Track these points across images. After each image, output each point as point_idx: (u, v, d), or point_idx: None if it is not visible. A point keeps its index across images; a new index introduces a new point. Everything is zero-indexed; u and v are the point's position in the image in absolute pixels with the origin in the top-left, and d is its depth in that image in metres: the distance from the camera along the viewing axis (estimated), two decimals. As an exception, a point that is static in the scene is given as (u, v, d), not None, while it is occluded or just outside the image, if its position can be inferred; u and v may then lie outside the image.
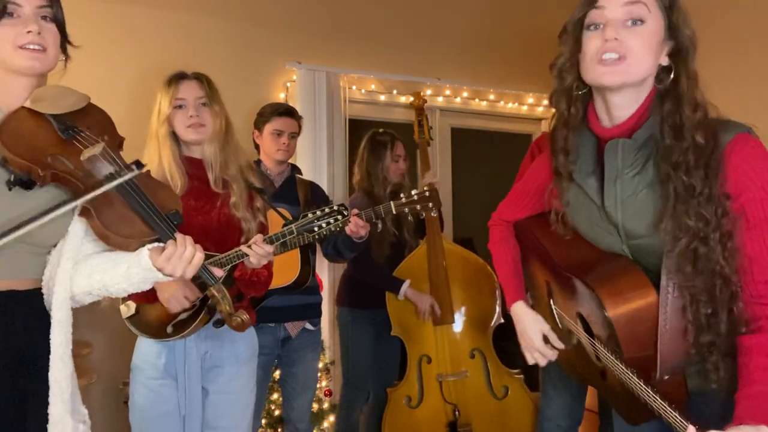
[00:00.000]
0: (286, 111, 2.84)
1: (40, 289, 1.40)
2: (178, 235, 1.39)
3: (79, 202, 1.31)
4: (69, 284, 1.38)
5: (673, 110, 1.27)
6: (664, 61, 1.29)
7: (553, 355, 1.60)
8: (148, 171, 1.50)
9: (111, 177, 1.36)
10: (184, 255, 1.37)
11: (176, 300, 1.89)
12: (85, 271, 1.42)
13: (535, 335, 1.61)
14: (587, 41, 1.30)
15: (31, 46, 1.34)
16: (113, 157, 1.38)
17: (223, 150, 2.06)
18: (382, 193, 3.08)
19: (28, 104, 1.37)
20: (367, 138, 3.23)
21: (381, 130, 3.24)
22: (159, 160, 2.00)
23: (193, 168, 2.04)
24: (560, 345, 1.59)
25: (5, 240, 1.25)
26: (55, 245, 1.41)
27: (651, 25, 1.26)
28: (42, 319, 1.38)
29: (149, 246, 1.39)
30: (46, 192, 1.35)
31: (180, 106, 2.03)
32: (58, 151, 1.35)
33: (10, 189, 1.29)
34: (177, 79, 2.06)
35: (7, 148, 1.29)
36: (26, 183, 1.30)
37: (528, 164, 2.62)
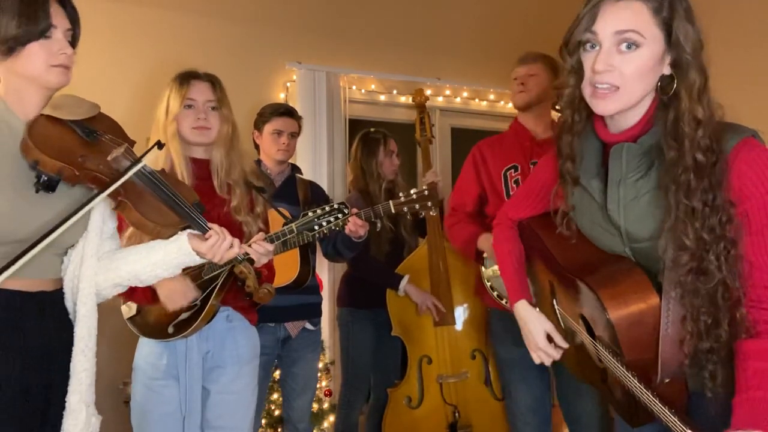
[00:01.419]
0: (286, 111, 2.84)
1: (61, 288, 1.51)
2: (215, 226, 1.54)
3: (112, 188, 1.42)
4: (93, 281, 1.50)
5: (675, 124, 1.25)
6: (667, 70, 1.28)
7: (557, 354, 1.59)
8: (163, 169, 1.66)
9: (140, 173, 1.50)
10: (224, 244, 1.54)
11: (176, 296, 1.88)
12: (111, 265, 1.55)
13: (537, 334, 1.59)
14: (584, 61, 1.30)
15: (62, 65, 1.45)
16: (135, 156, 1.50)
17: (228, 155, 2.06)
18: (377, 190, 3.09)
19: (47, 112, 1.47)
20: (360, 137, 3.24)
21: (372, 129, 3.25)
22: (165, 157, 1.99)
23: (196, 168, 2.04)
24: (564, 344, 1.57)
25: (55, 234, 1.35)
26: (71, 246, 1.51)
27: (646, 50, 1.23)
28: (66, 316, 1.50)
29: (185, 232, 1.54)
30: (67, 194, 1.45)
31: (189, 106, 2.02)
32: (87, 152, 1.46)
33: (37, 191, 1.39)
34: (189, 78, 2.04)
35: (40, 150, 1.38)
36: (52, 186, 1.40)
37: (468, 169, 2.62)
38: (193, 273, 1.95)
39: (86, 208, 1.40)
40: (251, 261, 1.74)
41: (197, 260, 1.55)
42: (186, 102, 2.01)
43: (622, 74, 1.24)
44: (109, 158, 1.47)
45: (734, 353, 1.21)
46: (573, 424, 2.59)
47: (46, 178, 1.38)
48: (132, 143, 1.56)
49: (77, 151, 1.44)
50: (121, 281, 1.56)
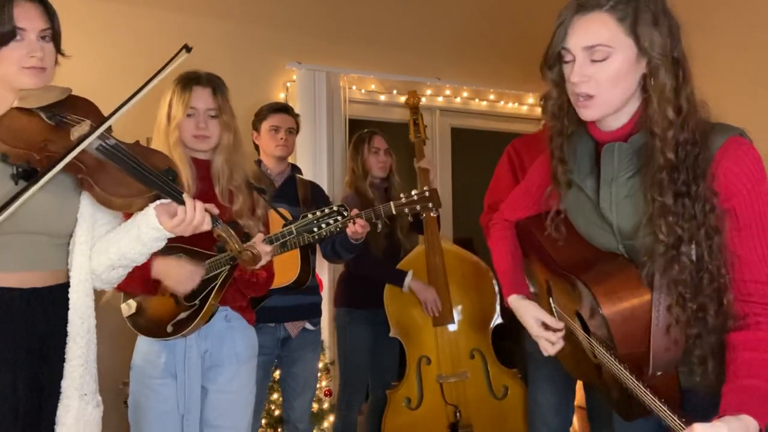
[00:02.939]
0: (282, 107, 2.88)
1: (63, 283, 1.51)
2: (188, 202, 1.49)
3: (65, 161, 1.40)
4: (86, 267, 1.50)
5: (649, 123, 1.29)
6: (647, 70, 1.29)
7: (557, 338, 1.57)
8: (137, 141, 1.62)
9: (100, 147, 1.48)
10: (193, 222, 1.50)
11: (184, 282, 1.88)
12: (101, 248, 1.54)
13: (531, 323, 1.60)
14: (565, 73, 1.33)
15: (34, 67, 1.47)
16: (102, 132, 1.48)
17: (229, 162, 2.05)
18: (365, 187, 3.10)
19: (16, 104, 1.49)
20: (352, 138, 3.27)
21: (366, 130, 3.27)
22: None
23: (198, 169, 2.05)
24: (558, 325, 1.56)
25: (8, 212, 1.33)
26: (72, 235, 1.51)
27: (617, 59, 1.26)
28: (62, 311, 1.49)
29: (153, 204, 1.49)
30: (53, 182, 1.43)
31: (190, 115, 2.01)
32: (50, 137, 1.47)
33: (16, 183, 1.40)
34: (191, 83, 2.02)
35: (5, 142, 1.41)
36: (29, 175, 1.40)
37: (504, 168, 2.63)
38: None
39: (38, 185, 1.37)
40: (234, 225, 1.71)
41: (169, 234, 1.51)
42: (188, 111, 2.01)
43: (598, 83, 1.27)
44: (72, 138, 1.47)
45: (725, 346, 1.23)
46: (595, 419, 2.61)
47: (20, 169, 1.40)
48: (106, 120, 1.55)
49: (40, 137, 1.45)
50: (113, 263, 1.54)
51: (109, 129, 1.53)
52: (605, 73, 1.26)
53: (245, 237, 1.83)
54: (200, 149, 2.05)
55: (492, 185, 2.71)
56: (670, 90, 1.26)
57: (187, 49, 1.50)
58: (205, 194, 2.01)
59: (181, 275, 1.88)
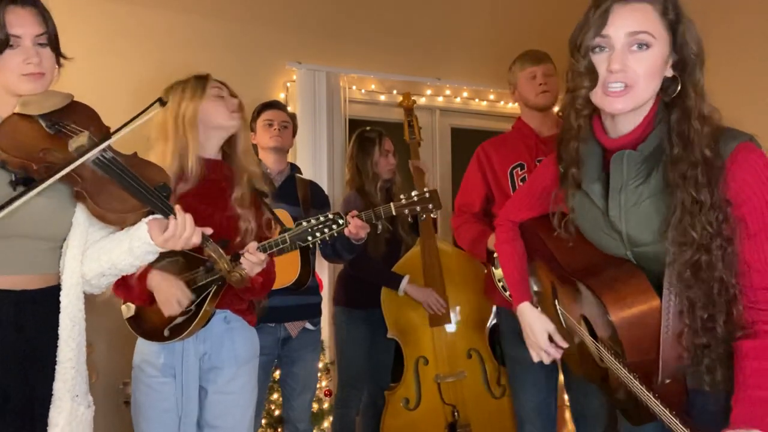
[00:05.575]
0: (273, 103, 2.91)
1: (55, 285, 1.50)
2: (179, 215, 1.50)
3: (58, 176, 1.41)
4: (78, 271, 1.50)
5: (682, 121, 1.27)
6: (668, 72, 1.30)
7: (557, 353, 1.63)
8: (135, 153, 1.63)
9: (98, 160, 1.49)
10: (183, 236, 1.51)
11: (171, 303, 1.88)
12: (93, 255, 1.54)
13: (540, 335, 1.64)
14: (596, 63, 1.30)
15: (32, 74, 1.47)
16: (99, 142, 1.49)
17: (242, 165, 2.07)
18: (373, 189, 3.09)
19: (17, 110, 1.49)
20: (355, 136, 3.25)
21: (368, 128, 3.25)
22: (171, 162, 1.96)
23: (208, 170, 2.03)
24: (564, 344, 1.61)
25: None
26: (65, 239, 1.51)
27: (656, 49, 1.26)
28: (53, 314, 1.49)
29: (146, 219, 1.51)
30: (52, 189, 1.43)
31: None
32: (49, 146, 1.47)
33: (14, 189, 1.39)
34: (204, 82, 2.04)
35: (4, 150, 1.41)
36: (27, 183, 1.40)
37: (473, 169, 2.62)
38: (188, 278, 1.95)
39: (32, 194, 1.37)
40: (225, 243, 1.72)
41: (161, 249, 1.53)
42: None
43: (636, 73, 1.26)
44: (69, 149, 1.47)
45: (733, 352, 1.22)
46: (579, 421, 2.61)
47: (19, 176, 1.41)
48: (107, 129, 1.55)
49: (38, 146, 1.45)
50: (103, 271, 1.54)
51: (106, 132, 1.54)
52: (645, 64, 1.25)
53: (235, 257, 1.83)
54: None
55: (462, 187, 2.70)
56: (702, 87, 1.27)
57: (162, 103, 1.56)
58: (212, 194, 2.01)
59: (169, 297, 1.87)
